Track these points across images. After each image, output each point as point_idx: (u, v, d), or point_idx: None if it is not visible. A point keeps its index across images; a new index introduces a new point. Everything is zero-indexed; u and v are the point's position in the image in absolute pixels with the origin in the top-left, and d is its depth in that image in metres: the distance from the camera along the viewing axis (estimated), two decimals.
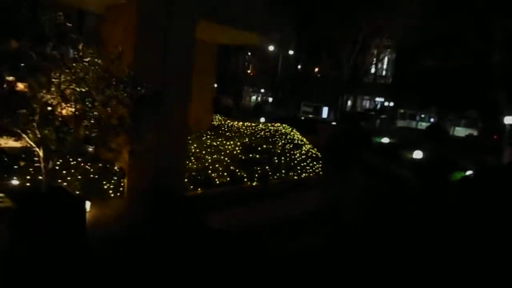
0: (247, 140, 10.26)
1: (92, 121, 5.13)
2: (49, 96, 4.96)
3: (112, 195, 7.02)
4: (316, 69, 36.11)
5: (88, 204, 6.39)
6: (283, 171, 9.85)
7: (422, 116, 42.33)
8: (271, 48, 35.03)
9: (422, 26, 24.56)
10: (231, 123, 13.14)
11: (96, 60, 5.36)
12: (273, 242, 6.44)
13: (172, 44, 7.42)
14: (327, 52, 27.50)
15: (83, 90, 5.17)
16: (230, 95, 35.64)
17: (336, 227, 7.54)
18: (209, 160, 8.74)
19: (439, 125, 32.27)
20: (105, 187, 6.92)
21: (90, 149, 5.60)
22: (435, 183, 11.51)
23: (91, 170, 6.82)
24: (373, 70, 39.72)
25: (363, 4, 24.26)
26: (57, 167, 6.26)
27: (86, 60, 5.26)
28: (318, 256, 6.00)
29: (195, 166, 8.44)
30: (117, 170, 7.06)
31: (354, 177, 10.20)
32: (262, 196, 8.71)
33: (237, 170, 8.85)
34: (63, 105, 5.09)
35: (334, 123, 28.74)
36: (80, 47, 5.22)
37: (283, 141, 11.12)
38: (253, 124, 13.12)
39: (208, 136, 10.35)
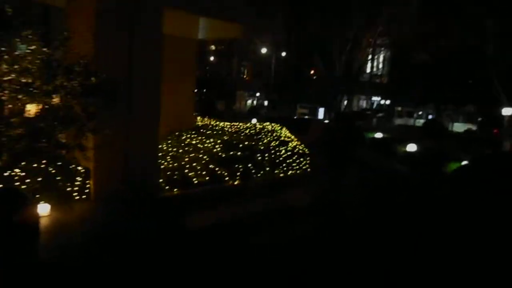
0: (227, 137, 9.75)
1: (37, 112, 4.68)
2: None
3: (77, 197, 6.55)
4: (312, 72, 35.67)
5: (47, 208, 5.94)
6: (267, 168, 9.38)
7: (420, 113, 41.87)
8: (263, 50, 34.77)
9: (415, 19, 24.24)
10: (217, 123, 12.64)
11: (44, 49, 4.97)
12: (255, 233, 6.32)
13: (137, 35, 7.00)
14: (318, 49, 27.03)
15: (27, 81, 4.74)
16: (224, 100, 35.19)
17: (327, 219, 7.37)
18: (186, 159, 8.26)
19: (437, 121, 31.83)
20: (68, 189, 6.44)
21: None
22: (429, 174, 11.12)
23: (53, 171, 6.32)
24: (368, 70, 39.35)
25: None
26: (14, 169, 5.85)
27: (31, 48, 4.85)
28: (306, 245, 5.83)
29: (170, 166, 7.97)
30: (82, 170, 6.58)
31: (346, 171, 9.75)
32: (243, 194, 8.24)
33: (216, 169, 8.39)
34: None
35: (326, 121, 28.32)
36: (24, 34, 4.80)
37: (268, 138, 10.63)
38: (240, 124, 12.62)
39: (188, 135, 9.86)
